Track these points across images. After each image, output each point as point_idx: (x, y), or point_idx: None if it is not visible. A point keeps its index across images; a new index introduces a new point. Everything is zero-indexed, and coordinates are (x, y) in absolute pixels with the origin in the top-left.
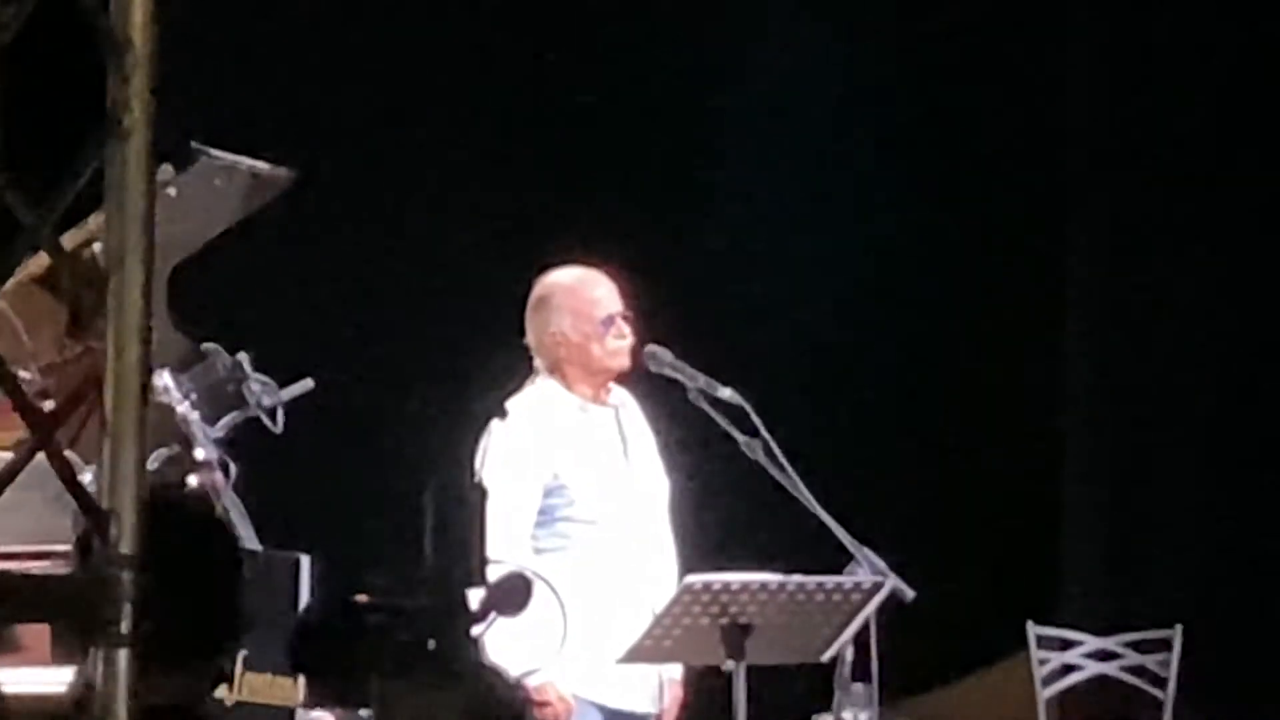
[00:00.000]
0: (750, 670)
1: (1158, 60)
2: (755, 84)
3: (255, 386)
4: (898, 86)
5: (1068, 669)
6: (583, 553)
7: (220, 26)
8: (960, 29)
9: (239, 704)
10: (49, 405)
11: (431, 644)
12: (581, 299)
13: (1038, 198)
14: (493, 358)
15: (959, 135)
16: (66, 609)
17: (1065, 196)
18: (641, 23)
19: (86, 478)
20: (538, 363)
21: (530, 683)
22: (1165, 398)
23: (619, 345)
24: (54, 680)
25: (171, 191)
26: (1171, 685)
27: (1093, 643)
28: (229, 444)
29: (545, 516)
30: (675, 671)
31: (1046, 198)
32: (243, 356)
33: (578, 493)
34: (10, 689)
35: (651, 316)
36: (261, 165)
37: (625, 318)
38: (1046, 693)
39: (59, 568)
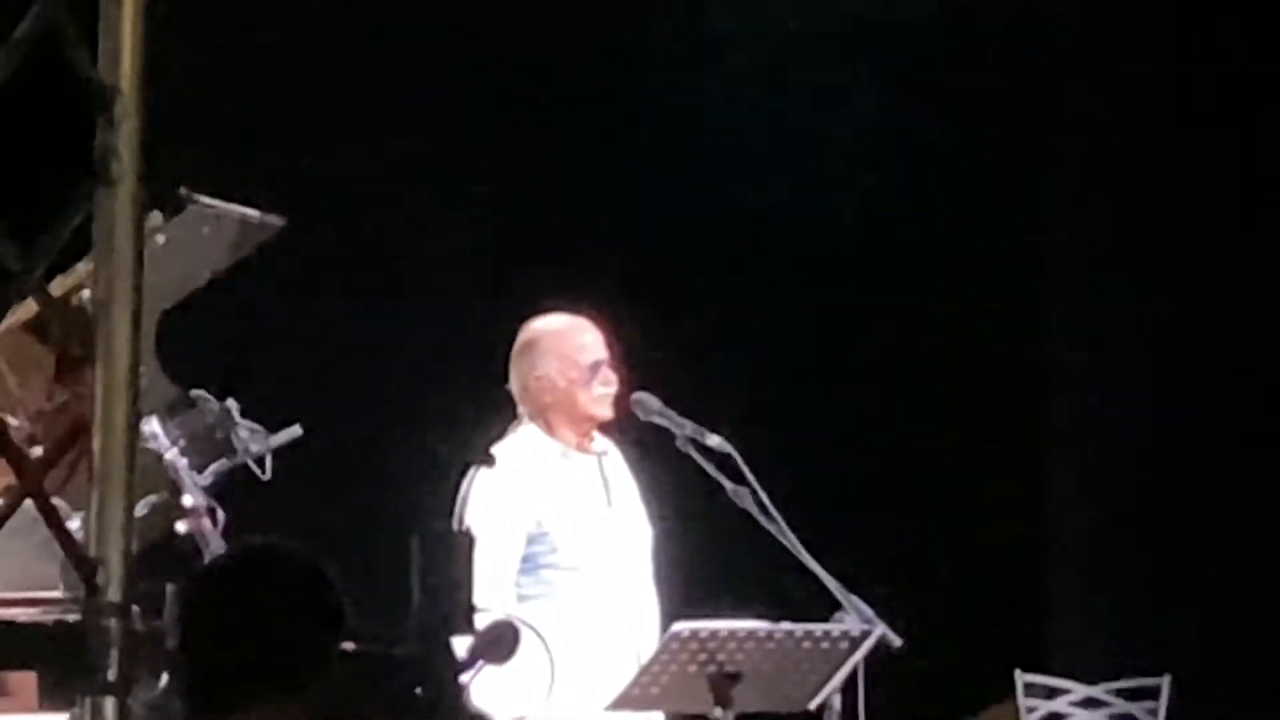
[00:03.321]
0: (738, 718)
1: (1143, 52)
2: (739, 126)
3: (244, 433)
4: (882, 126)
5: (1055, 717)
6: (565, 600)
7: (209, 75)
8: (941, 32)
9: None
10: (37, 452)
11: (419, 691)
12: (568, 344)
13: (1023, 247)
14: (479, 405)
15: (945, 186)
16: (54, 656)
17: (1046, 241)
18: (630, 69)
19: (74, 525)
20: (521, 409)
21: None
22: (1154, 442)
23: (604, 393)
24: None
25: (160, 239)
26: None
27: (1080, 691)
28: (217, 491)
29: (528, 563)
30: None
31: (1030, 244)
32: (231, 403)
33: (560, 540)
34: None
35: (636, 363)
36: (250, 212)
37: (611, 366)
38: None
39: (47, 615)
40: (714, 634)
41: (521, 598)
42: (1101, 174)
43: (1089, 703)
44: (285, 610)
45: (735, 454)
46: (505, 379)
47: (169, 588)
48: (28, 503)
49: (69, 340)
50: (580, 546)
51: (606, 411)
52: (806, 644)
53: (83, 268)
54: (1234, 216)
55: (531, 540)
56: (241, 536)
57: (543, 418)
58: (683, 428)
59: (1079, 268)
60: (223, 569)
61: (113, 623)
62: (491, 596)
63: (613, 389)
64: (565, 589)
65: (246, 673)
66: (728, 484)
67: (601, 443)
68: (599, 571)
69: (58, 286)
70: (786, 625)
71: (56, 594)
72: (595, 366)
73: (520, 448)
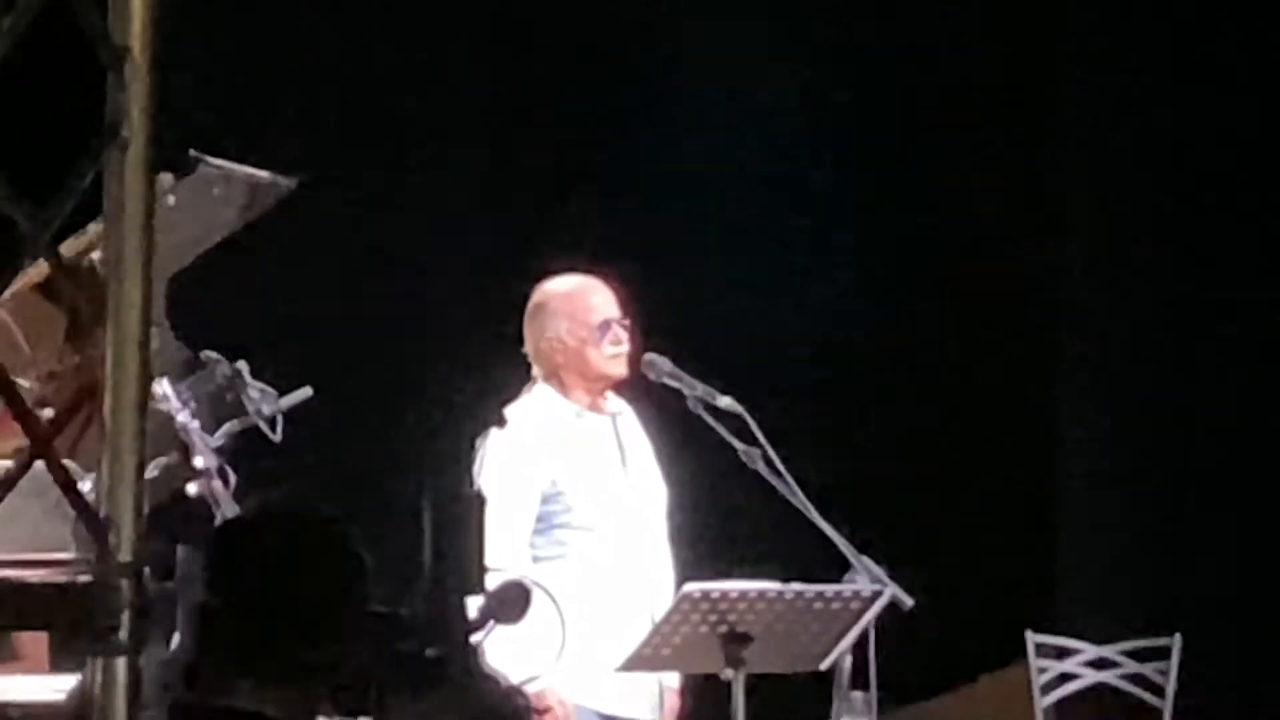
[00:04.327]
0: (749, 679)
1: (1155, 62)
2: (752, 94)
3: (254, 395)
4: (894, 97)
5: (1066, 678)
6: (580, 560)
7: (220, 35)
8: (954, 31)
9: None
10: (48, 413)
11: (431, 652)
12: (578, 305)
13: (1032, 210)
14: (492, 365)
15: (954, 149)
16: (65, 617)
17: (1060, 207)
18: (639, 32)
19: (85, 486)
20: (535, 370)
21: (529, 690)
22: (1162, 406)
23: (616, 352)
24: (53, 689)
25: (170, 200)
26: (1170, 694)
27: (1091, 651)
28: (228, 452)
29: (543, 524)
30: (673, 679)
31: (1040, 210)
32: (242, 365)
33: (575, 500)
34: (10, 697)
35: (649, 324)
36: (260, 174)
37: (622, 324)
38: (1045, 701)
39: (58, 576)
40: (725, 595)
41: (537, 558)
42: (1115, 112)
43: (1100, 663)
44: (314, 565)
45: (746, 415)
46: (521, 340)
47: (182, 548)
48: (39, 464)
49: (79, 302)
50: (595, 507)
51: (619, 370)
52: (817, 605)
53: (93, 229)
54: (1252, 151)
55: (546, 500)
56: (264, 491)
57: (556, 378)
58: (693, 389)
59: (1096, 231)
60: (250, 524)
61: (124, 583)
62: (506, 557)
63: (624, 348)
64: (580, 549)
65: (275, 626)
66: (739, 445)
67: (616, 403)
68: (613, 532)
69: (68, 248)
70: (797, 586)
71: (68, 555)
72: (605, 326)
73: (534, 408)
